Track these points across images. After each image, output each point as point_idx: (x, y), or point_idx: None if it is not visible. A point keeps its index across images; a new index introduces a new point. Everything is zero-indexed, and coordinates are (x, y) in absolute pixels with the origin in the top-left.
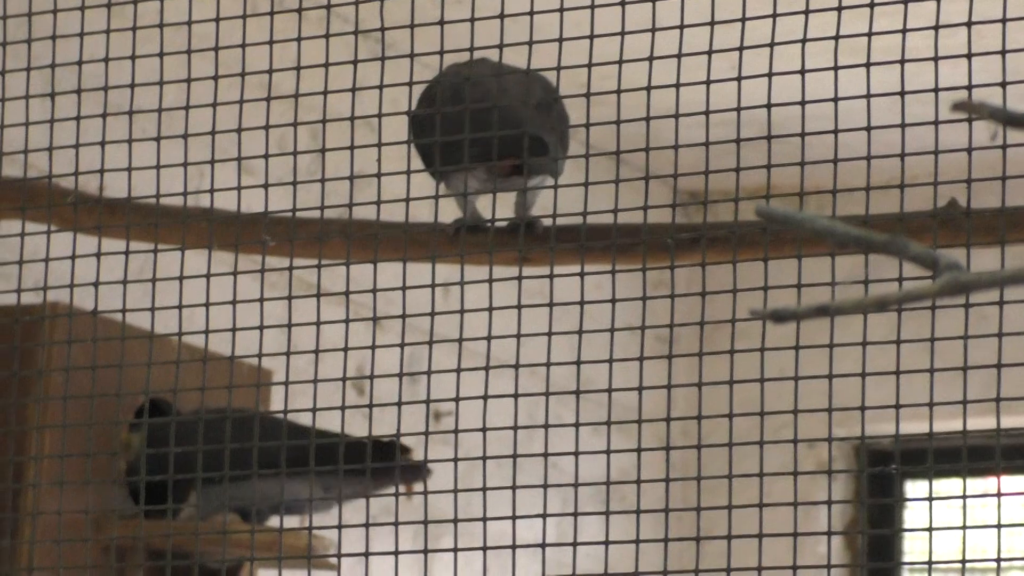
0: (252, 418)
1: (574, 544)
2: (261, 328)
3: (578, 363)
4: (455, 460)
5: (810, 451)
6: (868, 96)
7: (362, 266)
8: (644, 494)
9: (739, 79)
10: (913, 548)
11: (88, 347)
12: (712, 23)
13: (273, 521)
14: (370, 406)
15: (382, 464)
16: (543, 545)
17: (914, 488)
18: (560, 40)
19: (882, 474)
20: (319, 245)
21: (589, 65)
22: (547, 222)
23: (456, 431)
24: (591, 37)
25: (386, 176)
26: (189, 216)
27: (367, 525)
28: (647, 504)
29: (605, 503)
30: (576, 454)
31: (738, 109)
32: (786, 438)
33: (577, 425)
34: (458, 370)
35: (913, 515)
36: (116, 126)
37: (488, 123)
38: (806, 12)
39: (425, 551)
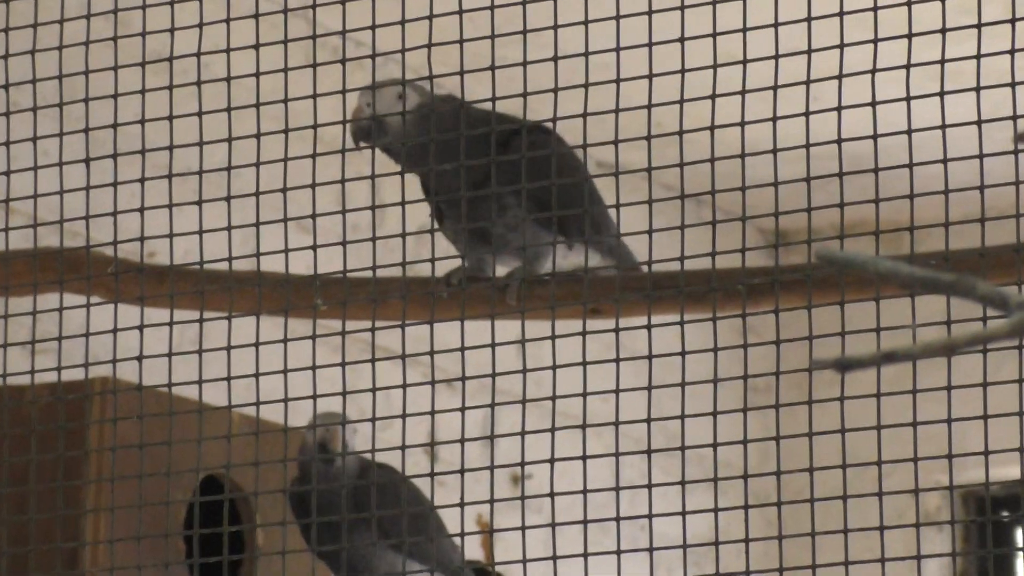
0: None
1: None
2: (314, 397)
3: (648, 420)
4: (522, 527)
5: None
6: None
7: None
8: (729, 555)
9: (807, 114)
10: None
11: (135, 423)
12: (777, 56)
13: None
14: (432, 474)
15: None
16: None
17: None
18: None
19: (993, 522)
20: (373, 306)
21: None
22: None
23: (527, 496)
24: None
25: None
26: (237, 281)
27: None
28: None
29: (682, 567)
30: (650, 517)
31: (807, 146)
32: (871, 491)
33: (650, 487)
34: (523, 432)
35: None
36: (155, 190)
37: None
38: (875, 41)
39: None
